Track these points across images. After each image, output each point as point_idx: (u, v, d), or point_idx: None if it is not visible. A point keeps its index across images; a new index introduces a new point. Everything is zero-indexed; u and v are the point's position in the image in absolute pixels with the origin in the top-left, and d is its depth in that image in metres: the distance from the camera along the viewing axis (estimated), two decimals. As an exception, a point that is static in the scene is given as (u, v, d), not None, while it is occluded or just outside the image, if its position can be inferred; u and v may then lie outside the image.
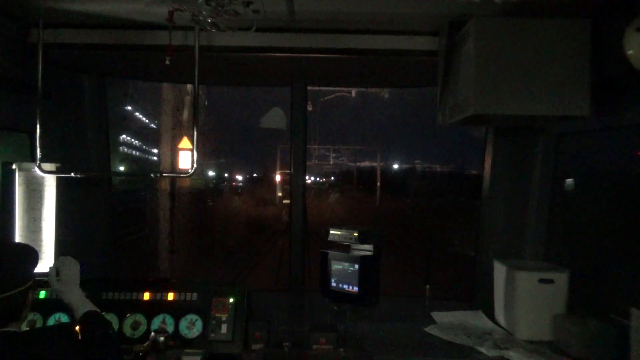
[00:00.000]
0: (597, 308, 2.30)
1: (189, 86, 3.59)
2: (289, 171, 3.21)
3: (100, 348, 1.79)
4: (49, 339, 1.66)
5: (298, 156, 3.18)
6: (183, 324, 2.33)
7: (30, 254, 1.78)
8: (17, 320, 1.73)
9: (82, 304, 1.96)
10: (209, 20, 2.02)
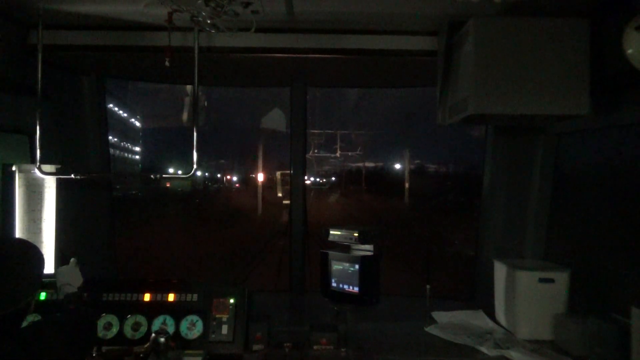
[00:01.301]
0: (597, 307, 2.30)
1: (189, 87, 3.59)
2: (285, 171, 3.22)
3: (73, 320, 1.89)
4: (38, 333, 1.67)
5: (298, 156, 3.18)
6: (184, 324, 2.33)
7: (40, 261, 1.76)
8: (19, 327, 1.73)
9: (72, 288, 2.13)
10: (208, 21, 2.02)
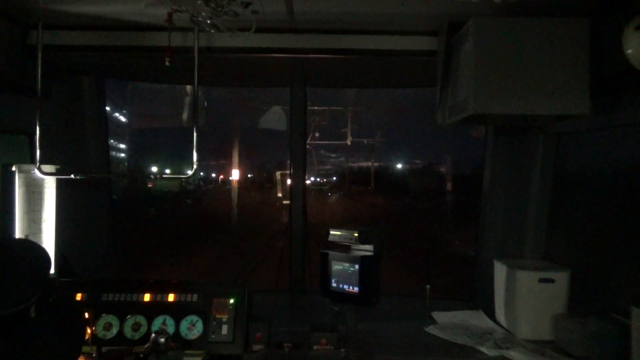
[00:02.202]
0: (597, 307, 2.30)
1: (189, 87, 3.60)
2: (285, 171, 3.22)
3: (62, 312, 1.78)
4: (33, 330, 1.66)
5: (298, 156, 3.18)
6: (184, 325, 2.33)
7: (45, 262, 1.74)
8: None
9: None
10: (208, 22, 2.02)
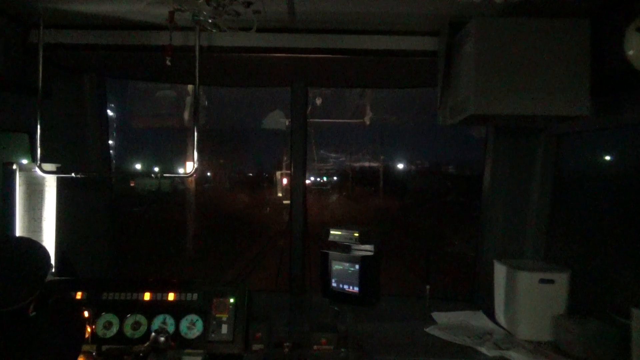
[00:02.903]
0: (597, 308, 2.30)
1: (190, 87, 3.60)
2: (285, 171, 3.21)
3: (63, 313, 1.79)
4: (35, 329, 1.66)
5: (298, 156, 3.18)
6: (184, 324, 2.33)
7: (45, 260, 1.74)
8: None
9: None
10: (210, 21, 2.03)
